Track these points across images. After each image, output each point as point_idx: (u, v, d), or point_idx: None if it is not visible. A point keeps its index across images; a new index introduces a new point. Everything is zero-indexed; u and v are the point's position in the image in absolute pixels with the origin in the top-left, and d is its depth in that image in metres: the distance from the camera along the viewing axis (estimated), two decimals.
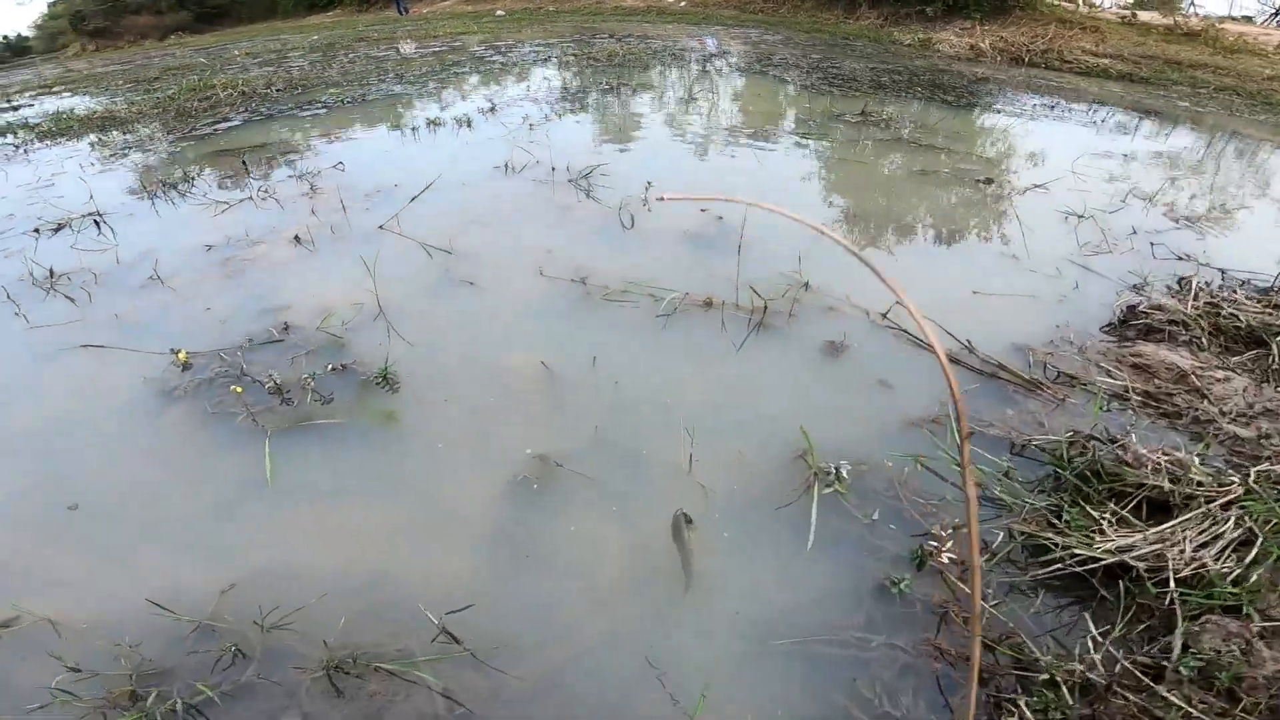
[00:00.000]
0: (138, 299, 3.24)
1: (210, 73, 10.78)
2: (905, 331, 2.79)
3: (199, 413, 2.41)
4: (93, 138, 6.93)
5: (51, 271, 3.53)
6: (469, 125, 6.11)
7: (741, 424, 2.30)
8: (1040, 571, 1.76)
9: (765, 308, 2.86)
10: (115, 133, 6.98)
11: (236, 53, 14.71)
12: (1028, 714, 1.39)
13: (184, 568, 1.85)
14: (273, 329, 2.84)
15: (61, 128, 7.52)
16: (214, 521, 2.00)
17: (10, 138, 7.52)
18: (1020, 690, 1.49)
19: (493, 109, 6.67)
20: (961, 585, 1.72)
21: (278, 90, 8.51)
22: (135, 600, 1.71)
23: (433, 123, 6.22)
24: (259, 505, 2.03)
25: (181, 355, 2.67)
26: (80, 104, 9.37)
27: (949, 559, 1.77)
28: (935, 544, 1.79)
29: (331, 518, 1.99)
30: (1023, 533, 1.86)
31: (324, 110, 7.20)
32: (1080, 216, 4.06)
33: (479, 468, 2.14)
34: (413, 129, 6.10)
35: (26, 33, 28.71)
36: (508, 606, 1.73)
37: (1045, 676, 1.46)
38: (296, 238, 3.67)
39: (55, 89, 12.17)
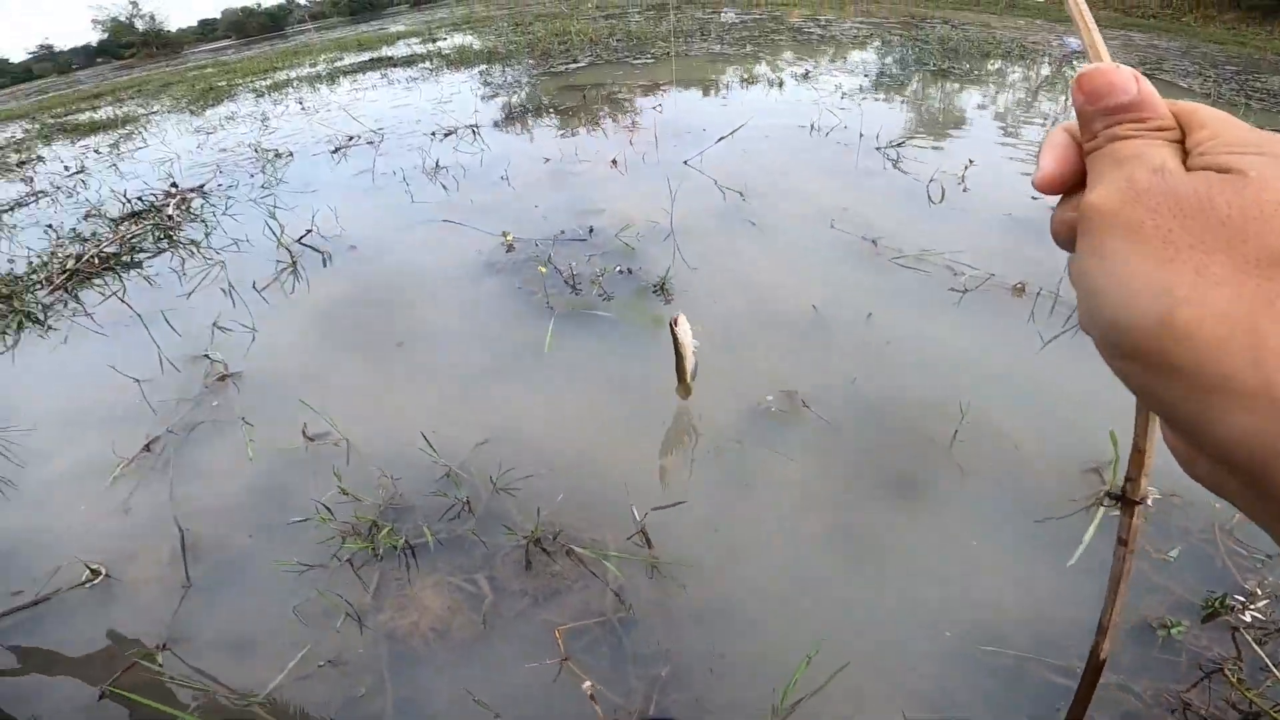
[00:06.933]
0: (489, 192, 3.99)
1: (567, 21, 12.48)
2: None
3: (510, 286, 2.90)
4: (481, 67, 8.61)
5: (437, 164, 4.53)
6: (780, 86, 6.11)
7: (1027, 420, 1.98)
8: None
9: None
10: (497, 65, 8.57)
11: (589, 5, 16.73)
12: None
13: (456, 413, 2.18)
14: (580, 229, 3.27)
15: (462, 58, 9.47)
16: (493, 376, 2.34)
17: (427, 64, 9.72)
18: None
19: (805, 75, 6.56)
20: (1258, 650, 1.32)
21: (616, 40, 9.52)
22: (411, 437, 2.01)
23: (746, 80, 6.37)
24: (530, 371, 2.35)
25: (508, 237, 3.24)
26: (475, 41, 11.66)
27: (1252, 617, 1.40)
28: (1240, 599, 1.44)
29: (582, 399, 2.21)
30: None
31: (651, 60, 7.86)
32: None
33: (726, 388, 2.19)
34: (726, 84, 6.33)
35: None
36: (705, 528, 1.72)
37: None
38: (614, 161, 4.13)
39: (461, 27, 15.28)
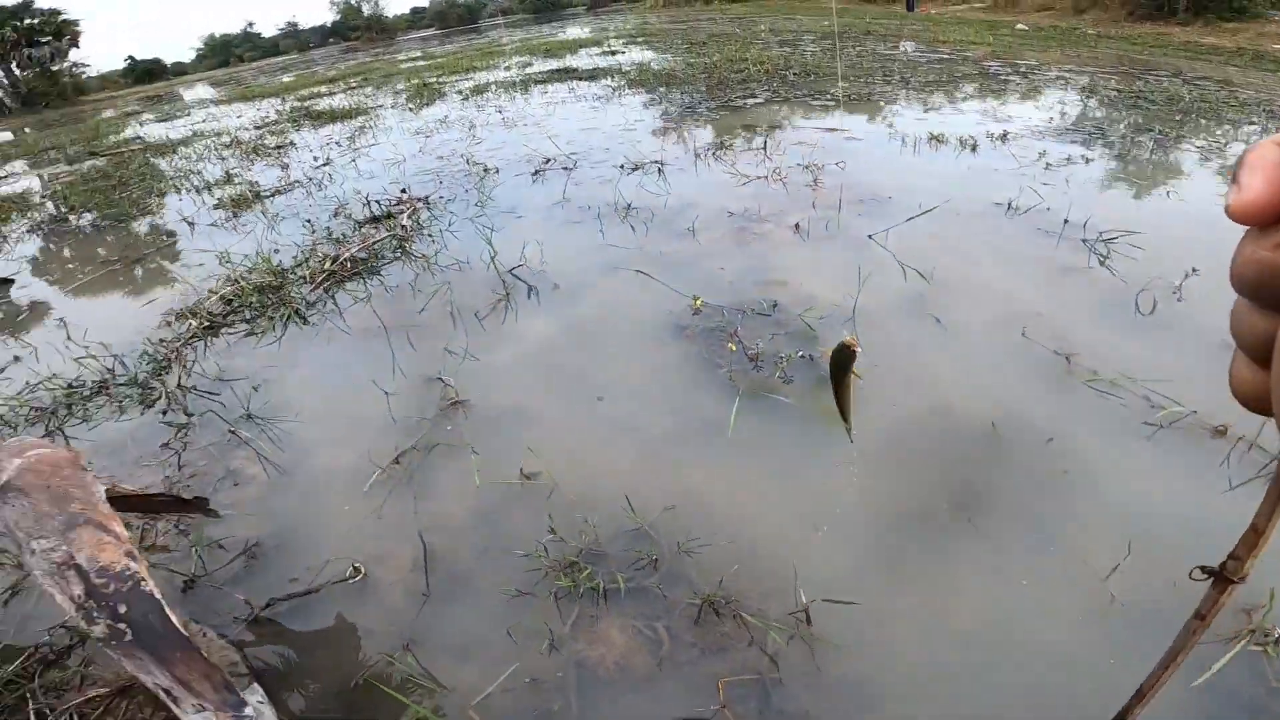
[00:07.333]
0: (676, 242, 4.27)
1: (742, 45, 12.62)
2: None
3: (696, 354, 3.13)
4: (660, 90, 9.01)
5: (629, 206, 4.89)
6: (973, 149, 5.85)
7: (1193, 560, 1.92)
8: None
9: None
10: (675, 90, 8.92)
11: (761, 27, 16.72)
12: None
13: (646, 475, 2.45)
14: (763, 301, 3.44)
15: (641, 79, 9.94)
16: (680, 445, 2.59)
17: (609, 80, 10.30)
18: None
19: (1003, 136, 6.20)
20: None
21: (794, 74, 9.51)
22: (608, 490, 2.32)
23: (935, 138, 6.15)
24: (714, 446, 2.57)
25: (697, 302, 3.48)
26: (652, 58, 12.15)
27: None
28: None
29: (761, 481, 2.40)
30: None
31: (832, 102, 7.79)
32: None
33: (901, 494, 2.28)
34: (914, 141, 6.16)
35: None
36: (862, 614, 1.87)
37: None
38: (796, 225, 4.25)
39: (636, 39, 15.93)
